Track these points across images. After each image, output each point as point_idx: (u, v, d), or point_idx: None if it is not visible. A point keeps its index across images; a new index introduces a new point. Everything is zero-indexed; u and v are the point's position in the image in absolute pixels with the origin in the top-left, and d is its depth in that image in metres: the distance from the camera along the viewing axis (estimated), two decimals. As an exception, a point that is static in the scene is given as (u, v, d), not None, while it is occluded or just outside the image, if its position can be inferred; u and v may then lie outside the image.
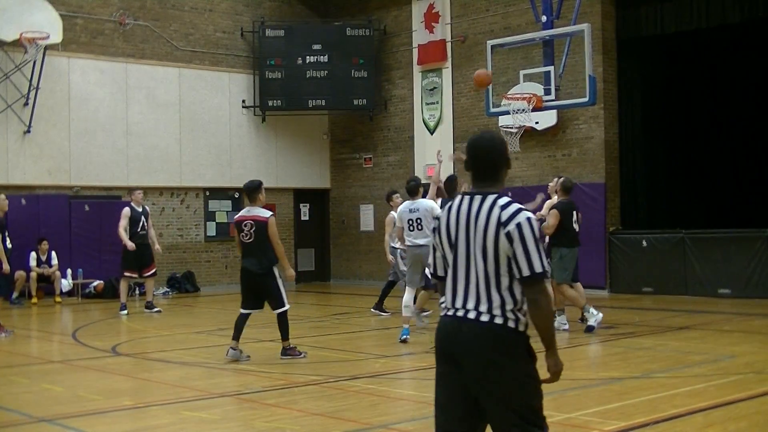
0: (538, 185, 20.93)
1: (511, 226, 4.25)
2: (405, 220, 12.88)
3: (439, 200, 13.95)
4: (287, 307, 11.14)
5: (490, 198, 4.35)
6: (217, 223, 24.06)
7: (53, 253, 20.23)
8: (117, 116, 22.26)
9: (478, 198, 4.38)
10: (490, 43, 17.52)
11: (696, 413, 7.69)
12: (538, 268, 4.22)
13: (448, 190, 14.45)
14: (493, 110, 17.62)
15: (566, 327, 13.25)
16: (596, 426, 7.30)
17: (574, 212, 13.41)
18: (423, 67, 23.58)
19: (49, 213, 20.88)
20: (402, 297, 12.91)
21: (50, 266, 20.21)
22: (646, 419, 7.46)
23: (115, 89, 22.28)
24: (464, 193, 4.49)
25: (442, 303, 4.51)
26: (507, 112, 16.85)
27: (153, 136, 22.79)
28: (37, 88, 20.64)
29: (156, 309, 17.73)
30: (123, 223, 17.40)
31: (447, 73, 23.07)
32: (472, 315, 4.28)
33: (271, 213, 11.28)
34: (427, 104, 23.52)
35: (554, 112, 19.57)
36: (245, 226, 11.11)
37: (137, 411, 8.50)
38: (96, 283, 21.10)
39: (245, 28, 24.49)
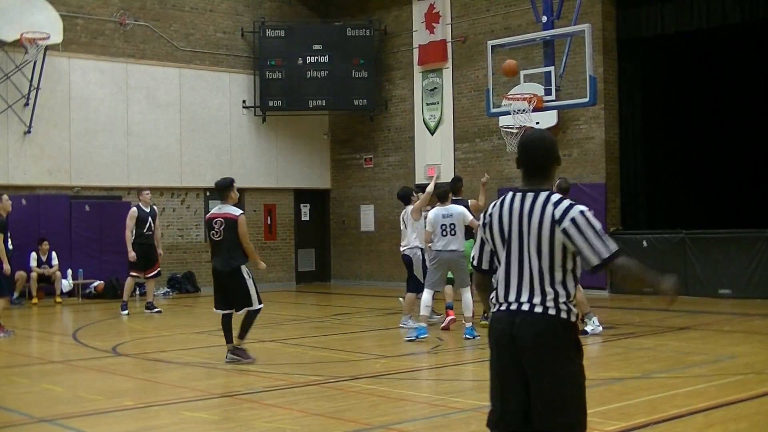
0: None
1: (567, 223, 4.36)
2: (438, 225, 12.94)
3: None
4: (258, 306, 10.98)
5: (543, 195, 4.46)
6: (217, 223, 24.03)
7: (53, 254, 20.22)
8: (117, 116, 22.27)
9: (530, 195, 4.49)
10: (490, 43, 17.52)
11: (696, 413, 7.69)
12: (604, 254, 4.33)
13: (455, 191, 14.59)
14: (493, 110, 17.62)
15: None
16: (596, 426, 7.29)
17: None
18: (423, 68, 23.58)
19: (49, 213, 20.88)
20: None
21: (51, 266, 20.21)
22: (647, 419, 7.46)
23: (115, 89, 22.29)
24: (516, 190, 4.57)
25: (493, 298, 4.60)
26: (508, 113, 16.84)
27: (153, 136, 22.80)
28: (37, 89, 20.64)
29: (156, 309, 17.75)
30: (130, 225, 17.44)
31: (447, 74, 23.07)
32: (525, 307, 4.39)
33: (242, 212, 11.22)
34: (428, 104, 23.52)
35: (555, 112, 19.55)
36: (216, 223, 11.02)
37: (138, 411, 8.50)
38: (96, 283, 21.10)
39: (245, 28, 24.49)
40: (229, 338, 11.11)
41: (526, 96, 16.52)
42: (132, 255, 17.26)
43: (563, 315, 4.37)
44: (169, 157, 23.06)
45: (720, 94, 23.57)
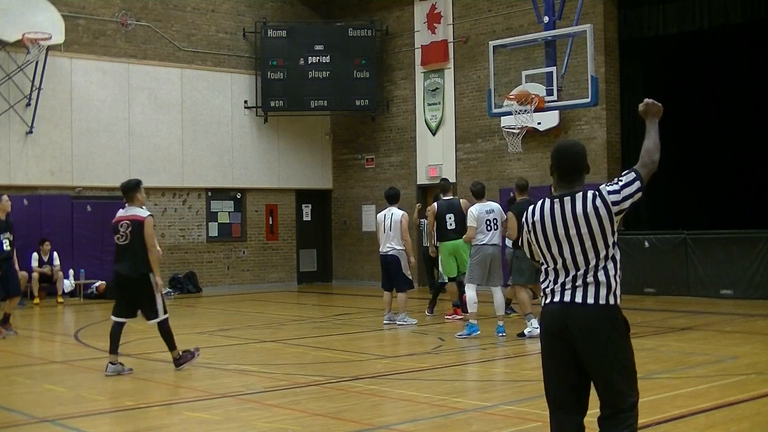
0: (540, 186, 20.95)
1: (609, 199, 4.95)
2: (483, 220, 13.29)
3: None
4: (164, 316, 10.48)
5: (580, 195, 4.98)
6: (219, 223, 24.09)
7: (55, 254, 20.25)
8: (119, 117, 22.28)
9: (568, 199, 5.00)
10: (492, 43, 17.53)
11: (698, 414, 7.69)
12: (640, 185, 5.07)
13: (444, 190, 14.94)
14: (495, 111, 17.63)
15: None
16: (597, 427, 7.28)
17: None
18: (425, 68, 23.59)
19: (51, 213, 20.90)
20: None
21: (52, 267, 20.22)
22: (648, 420, 7.44)
23: (117, 90, 22.30)
24: (551, 197, 5.08)
25: (547, 288, 5.07)
26: (509, 113, 16.86)
27: (155, 136, 22.81)
28: (39, 89, 20.66)
29: None
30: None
31: (449, 74, 23.08)
32: (579, 299, 4.90)
33: (149, 213, 10.57)
34: (429, 105, 23.52)
35: (556, 112, 19.57)
36: (121, 226, 10.38)
37: (139, 411, 8.50)
38: (98, 283, 21.11)
39: (247, 28, 24.50)
40: (114, 348, 10.40)
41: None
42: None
43: (611, 301, 4.90)
44: (171, 157, 23.07)
45: (722, 94, 23.57)
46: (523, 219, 5.23)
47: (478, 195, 13.57)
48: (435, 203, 15.17)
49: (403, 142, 24.29)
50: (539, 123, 19.37)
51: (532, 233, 5.13)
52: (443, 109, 23.19)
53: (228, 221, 24.20)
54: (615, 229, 4.95)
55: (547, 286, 5.06)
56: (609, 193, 4.95)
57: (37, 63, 20.40)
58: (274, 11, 25.11)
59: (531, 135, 19.75)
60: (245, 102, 24.48)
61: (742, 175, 23.86)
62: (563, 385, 5.02)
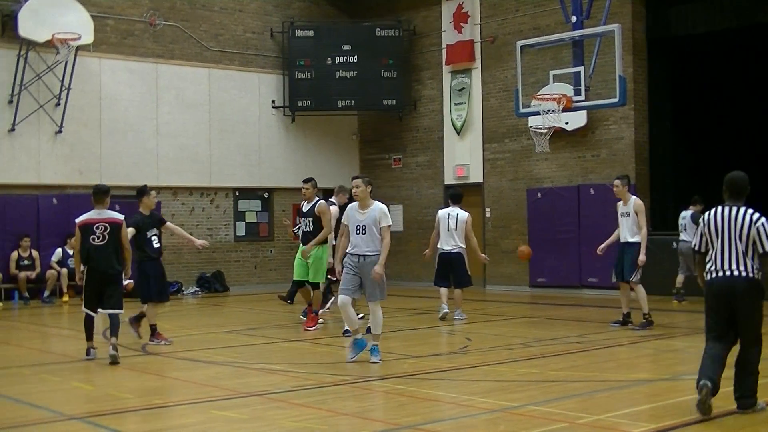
0: (567, 185, 20.88)
1: (759, 224, 7.62)
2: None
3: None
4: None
5: (743, 209, 7.73)
6: (246, 223, 24.16)
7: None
8: (147, 116, 22.40)
9: (735, 208, 7.73)
10: (519, 43, 17.47)
11: (727, 416, 7.63)
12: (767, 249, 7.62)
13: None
14: (522, 111, 17.56)
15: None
16: (626, 428, 7.26)
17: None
18: (452, 68, 23.55)
19: (80, 212, 20.64)
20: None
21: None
22: (677, 422, 7.42)
23: (145, 89, 22.42)
24: (723, 205, 7.77)
25: (711, 267, 7.80)
26: (537, 113, 16.79)
27: (183, 136, 22.91)
28: (68, 89, 20.80)
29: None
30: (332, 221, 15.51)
31: (476, 74, 23.04)
32: (736, 273, 7.64)
33: (123, 216, 11.85)
34: (455, 104, 23.48)
35: (584, 112, 19.49)
36: (97, 228, 11.50)
37: (166, 410, 8.55)
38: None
39: (274, 28, 24.56)
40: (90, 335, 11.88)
41: (555, 96, 16.46)
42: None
43: (758, 277, 7.62)
44: (198, 156, 23.17)
45: (750, 94, 23.34)
46: (701, 218, 7.91)
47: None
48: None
49: (430, 142, 24.27)
50: (567, 123, 19.29)
51: (706, 226, 7.80)
52: (471, 109, 23.13)
53: (255, 221, 24.26)
54: (750, 244, 7.57)
55: (712, 266, 7.75)
56: (763, 223, 7.57)
57: (66, 63, 20.54)
58: (301, 11, 25.16)
59: (558, 135, 19.69)
60: (273, 102, 24.54)
61: (771, 176, 23.61)
62: (721, 327, 7.83)
